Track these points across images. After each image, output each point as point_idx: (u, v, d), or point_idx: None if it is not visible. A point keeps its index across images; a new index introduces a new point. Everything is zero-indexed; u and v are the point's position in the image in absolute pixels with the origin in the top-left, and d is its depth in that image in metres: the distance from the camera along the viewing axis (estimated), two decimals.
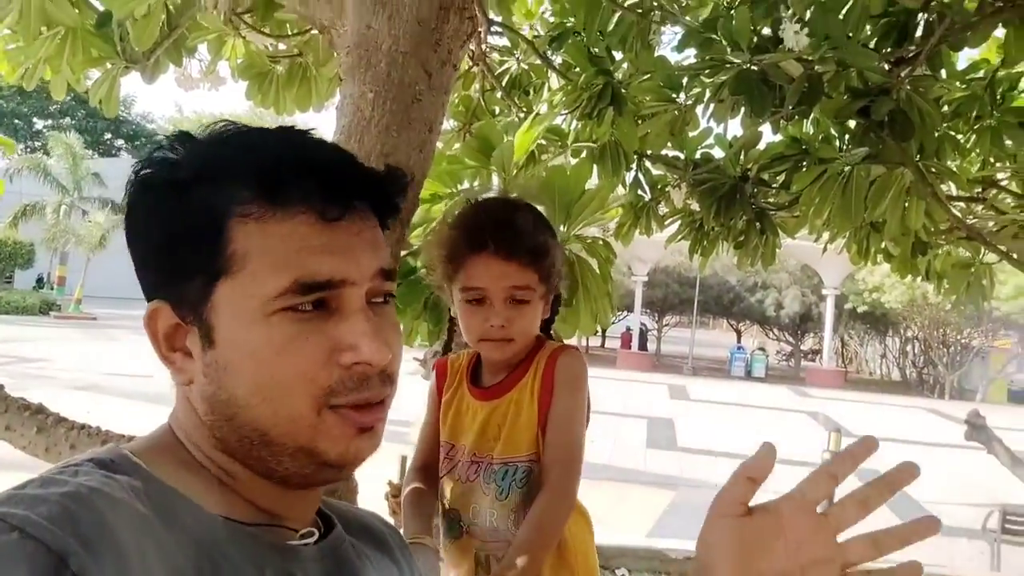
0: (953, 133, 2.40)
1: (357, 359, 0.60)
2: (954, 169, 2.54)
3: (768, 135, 2.76)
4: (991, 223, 3.21)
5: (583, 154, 2.67)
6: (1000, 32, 1.98)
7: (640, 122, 2.56)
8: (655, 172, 3.02)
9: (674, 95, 2.42)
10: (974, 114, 2.31)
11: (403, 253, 1.92)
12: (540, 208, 1.65)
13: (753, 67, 1.94)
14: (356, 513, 0.79)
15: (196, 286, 0.60)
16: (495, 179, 2.23)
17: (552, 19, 2.98)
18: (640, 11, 2.38)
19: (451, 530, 1.44)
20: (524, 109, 2.98)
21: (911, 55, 2.08)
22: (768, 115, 2.11)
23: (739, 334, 33.51)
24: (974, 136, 2.38)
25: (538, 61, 2.91)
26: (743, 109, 2.13)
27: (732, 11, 2.08)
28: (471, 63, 2.93)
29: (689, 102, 2.40)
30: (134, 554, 0.49)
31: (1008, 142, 2.31)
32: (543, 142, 2.67)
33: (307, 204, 0.59)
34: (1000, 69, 2.27)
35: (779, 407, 18.57)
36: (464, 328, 1.43)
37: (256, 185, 0.59)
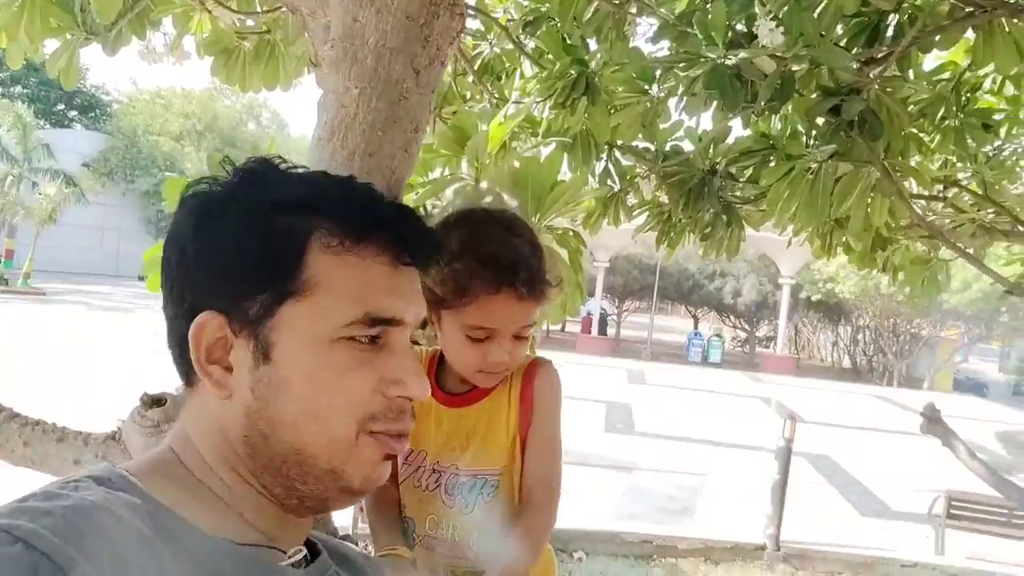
0: (917, 132, 2.44)
1: (402, 393, 0.66)
2: (916, 167, 2.60)
3: (737, 130, 2.78)
4: (948, 221, 3.29)
5: (553, 145, 2.66)
6: (970, 34, 2.02)
7: (612, 112, 2.55)
8: (625, 163, 3.03)
9: (647, 87, 2.42)
10: (939, 114, 2.35)
11: None
12: (513, 201, 1.62)
13: (727, 62, 1.95)
14: (336, 543, 0.81)
15: (261, 303, 0.63)
16: (464, 167, 2.21)
17: (526, 3, 2.95)
18: (616, 1, 2.37)
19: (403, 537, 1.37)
20: (496, 95, 2.96)
21: (881, 55, 2.11)
22: (740, 110, 2.12)
23: (696, 320, 33.96)
24: (939, 136, 2.43)
25: (511, 46, 2.88)
26: (715, 103, 2.14)
27: (708, 5, 2.08)
28: None
29: (662, 95, 2.40)
30: (135, 568, 0.51)
31: (971, 142, 2.37)
32: (516, 130, 2.65)
33: (385, 248, 0.66)
34: (966, 71, 2.32)
35: (733, 392, 18.92)
36: (456, 358, 1.32)
37: (344, 222, 0.65)
